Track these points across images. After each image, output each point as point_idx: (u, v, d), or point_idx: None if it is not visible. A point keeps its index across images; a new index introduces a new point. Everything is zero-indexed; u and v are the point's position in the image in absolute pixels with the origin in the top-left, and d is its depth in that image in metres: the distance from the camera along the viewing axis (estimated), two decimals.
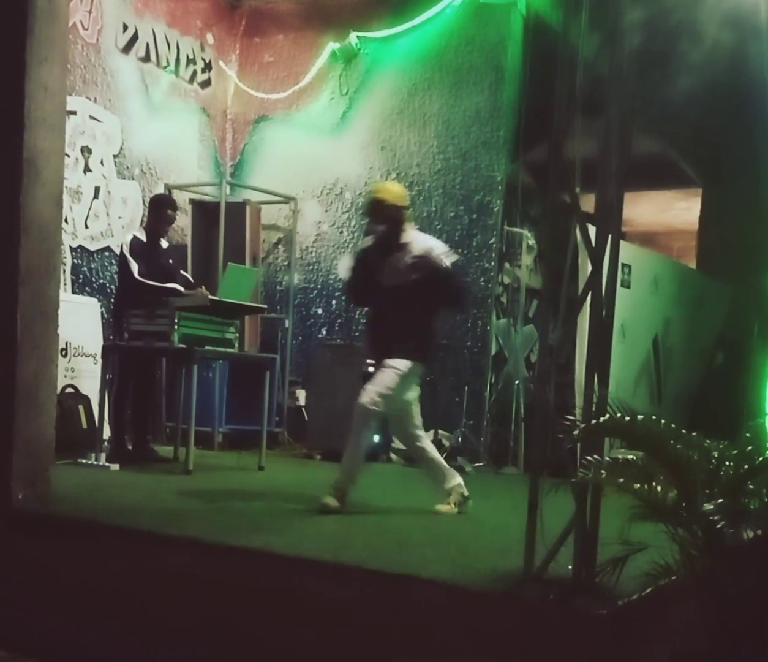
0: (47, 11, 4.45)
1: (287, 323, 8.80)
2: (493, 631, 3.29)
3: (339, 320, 8.86)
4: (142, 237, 6.66)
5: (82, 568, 4.09)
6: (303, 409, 8.51)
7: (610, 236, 3.43)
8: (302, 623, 3.59)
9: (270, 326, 8.72)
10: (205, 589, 3.79)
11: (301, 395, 8.58)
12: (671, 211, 11.95)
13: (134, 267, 6.48)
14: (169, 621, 3.83)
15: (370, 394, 5.07)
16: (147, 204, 7.07)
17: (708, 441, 3.12)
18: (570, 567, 3.36)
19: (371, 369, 5.42)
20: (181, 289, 6.56)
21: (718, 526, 2.78)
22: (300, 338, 8.96)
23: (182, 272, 7.05)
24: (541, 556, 3.42)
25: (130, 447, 6.73)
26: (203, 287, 6.74)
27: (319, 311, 8.94)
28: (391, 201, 5.13)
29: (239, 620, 3.70)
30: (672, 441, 3.04)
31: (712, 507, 2.84)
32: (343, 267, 5.36)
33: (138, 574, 3.97)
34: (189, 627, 3.79)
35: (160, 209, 6.81)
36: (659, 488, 3.04)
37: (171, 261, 6.86)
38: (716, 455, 3.06)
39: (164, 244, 6.88)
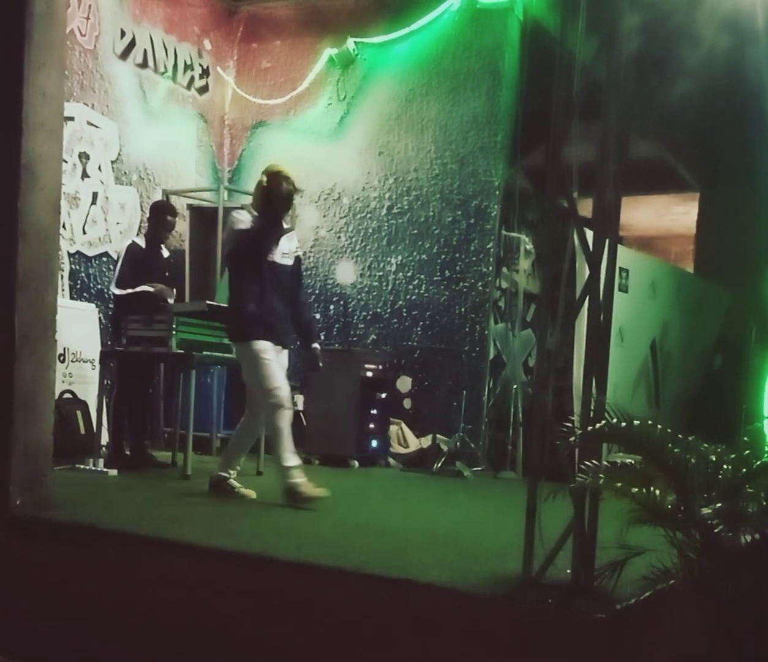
0: (45, 17, 4.45)
1: None
2: (491, 635, 3.29)
3: (337, 325, 8.86)
4: (142, 243, 6.68)
5: (80, 573, 4.09)
6: (301, 414, 8.49)
7: (607, 241, 3.44)
8: (301, 627, 3.58)
9: None
10: (204, 594, 3.79)
11: (299, 400, 8.57)
12: (669, 215, 11.97)
13: (116, 275, 6.54)
14: (167, 626, 3.82)
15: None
16: (147, 210, 7.10)
17: (706, 445, 3.12)
18: (568, 571, 3.36)
19: (269, 354, 5.37)
20: (150, 289, 6.49)
21: (717, 530, 2.78)
22: (298, 343, 8.93)
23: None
24: (540, 560, 3.42)
25: (128, 452, 6.73)
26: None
27: (317, 316, 8.93)
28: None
29: (238, 624, 3.70)
30: (670, 445, 3.04)
31: (710, 511, 2.84)
32: (241, 220, 5.37)
33: (136, 579, 3.96)
34: (188, 632, 3.78)
35: (159, 216, 6.83)
36: (657, 492, 3.04)
37: (167, 274, 6.88)
38: (714, 459, 3.06)
39: (165, 252, 6.90)
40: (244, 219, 5.38)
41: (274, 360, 5.39)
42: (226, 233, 5.56)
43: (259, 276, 5.36)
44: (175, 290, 6.87)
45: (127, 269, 6.53)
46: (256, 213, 5.40)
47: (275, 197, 5.33)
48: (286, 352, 5.66)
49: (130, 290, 6.49)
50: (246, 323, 5.35)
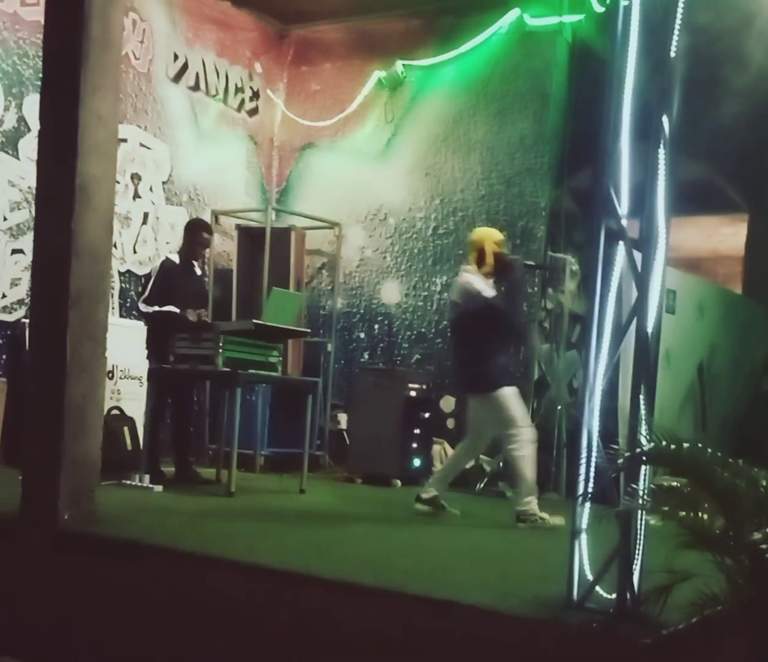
0: (101, 41, 4.55)
1: (330, 347, 8.84)
2: (535, 659, 3.27)
3: (381, 345, 8.88)
4: (175, 259, 6.77)
5: (125, 588, 4.14)
6: (344, 432, 8.53)
7: (656, 262, 3.42)
8: (343, 647, 3.59)
9: (313, 350, 8.77)
10: (247, 611, 3.81)
11: (343, 418, 8.60)
12: (717, 236, 11.82)
13: (147, 292, 6.59)
14: (210, 642, 3.85)
15: None
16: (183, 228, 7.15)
17: (756, 469, 3.07)
18: (614, 595, 3.32)
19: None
20: (176, 310, 6.52)
21: (767, 555, 2.73)
22: (342, 362, 8.99)
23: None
24: (585, 584, 3.39)
25: (172, 469, 6.79)
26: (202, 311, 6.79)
27: (362, 335, 8.97)
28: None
29: (280, 642, 3.71)
30: (719, 469, 3.00)
31: (760, 536, 2.80)
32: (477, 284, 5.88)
33: (180, 595, 4.00)
34: (231, 648, 3.81)
35: (195, 233, 6.89)
36: (705, 516, 3.00)
37: (198, 291, 6.97)
38: (765, 484, 3.01)
39: (198, 270, 7.00)
40: (480, 283, 5.82)
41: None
42: (469, 294, 5.84)
43: (503, 334, 5.91)
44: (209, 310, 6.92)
45: (159, 286, 6.57)
46: (483, 276, 5.86)
47: (510, 270, 5.90)
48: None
49: (156, 308, 6.52)
50: (498, 374, 5.80)
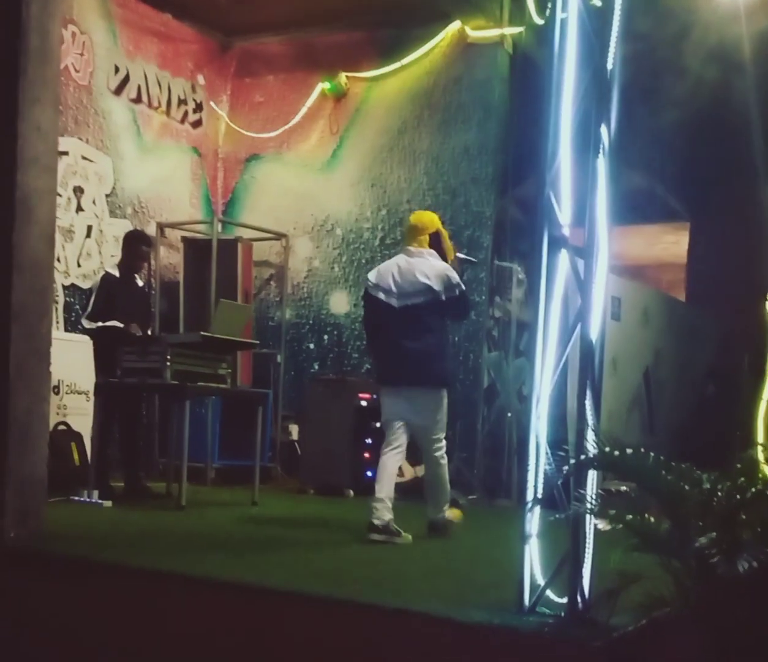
0: (40, 53, 4.50)
1: (279, 358, 8.81)
2: None
3: (331, 355, 8.87)
4: (115, 273, 6.69)
5: (75, 606, 4.07)
6: (296, 443, 8.50)
7: (598, 269, 3.47)
8: (296, 657, 3.57)
9: (262, 362, 8.73)
10: (198, 625, 3.78)
11: (294, 429, 8.57)
12: (660, 244, 12.03)
13: (89, 308, 6.53)
14: (162, 658, 3.81)
15: None
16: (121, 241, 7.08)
17: (700, 472, 3.13)
18: (565, 599, 3.36)
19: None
20: (119, 325, 6.47)
21: (713, 560, 2.78)
22: (292, 372, 8.97)
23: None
24: (537, 589, 3.43)
25: (122, 484, 6.71)
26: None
27: (311, 345, 8.96)
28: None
29: (233, 656, 3.68)
30: (663, 473, 3.06)
31: (705, 540, 2.85)
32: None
33: (131, 611, 3.95)
34: None
35: (133, 245, 6.82)
36: (652, 519, 3.05)
37: (141, 302, 6.92)
38: (708, 487, 3.07)
39: (140, 282, 6.93)
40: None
41: None
42: (449, 282, 5.54)
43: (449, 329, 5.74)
44: (155, 323, 6.86)
45: (100, 301, 6.51)
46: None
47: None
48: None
49: (100, 324, 6.46)
50: (452, 372, 5.59)
